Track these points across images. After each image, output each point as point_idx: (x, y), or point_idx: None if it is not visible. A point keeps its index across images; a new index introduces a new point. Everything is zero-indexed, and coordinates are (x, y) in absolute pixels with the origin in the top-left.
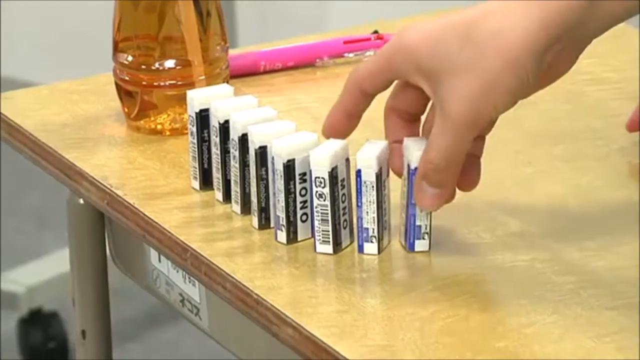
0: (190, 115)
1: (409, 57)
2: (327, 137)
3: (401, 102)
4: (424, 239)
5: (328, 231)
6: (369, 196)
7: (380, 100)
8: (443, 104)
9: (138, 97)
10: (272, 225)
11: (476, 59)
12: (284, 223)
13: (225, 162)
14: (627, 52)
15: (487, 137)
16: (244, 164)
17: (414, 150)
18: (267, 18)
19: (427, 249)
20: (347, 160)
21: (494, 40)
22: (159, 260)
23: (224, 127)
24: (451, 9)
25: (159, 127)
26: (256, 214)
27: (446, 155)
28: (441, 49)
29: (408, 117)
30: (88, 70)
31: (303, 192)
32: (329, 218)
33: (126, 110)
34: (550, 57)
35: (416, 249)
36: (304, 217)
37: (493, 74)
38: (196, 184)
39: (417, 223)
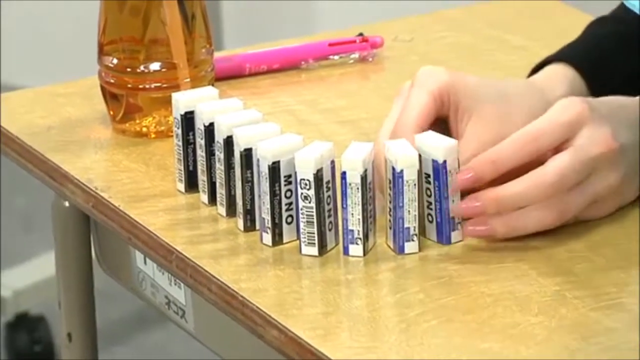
0: (175, 118)
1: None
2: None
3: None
4: (413, 240)
5: (313, 233)
6: (354, 198)
7: (365, 103)
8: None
9: (123, 100)
10: (257, 227)
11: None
12: (270, 225)
13: (211, 164)
14: None
15: None
16: (229, 166)
17: (397, 153)
18: (253, 21)
19: (416, 250)
20: (332, 162)
21: None
22: (145, 263)
23: (209, 130)
24: (434, 12)
25: (144, 129)
26: (241, 216)
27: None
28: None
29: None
30: (73, 74)
31: (288, 194)
32: (314, 220)
33: (111, 113)
34: None
35: (406, 251)
36: (289, 219)
37: None
38: (181, 187)
39: (406, 225)
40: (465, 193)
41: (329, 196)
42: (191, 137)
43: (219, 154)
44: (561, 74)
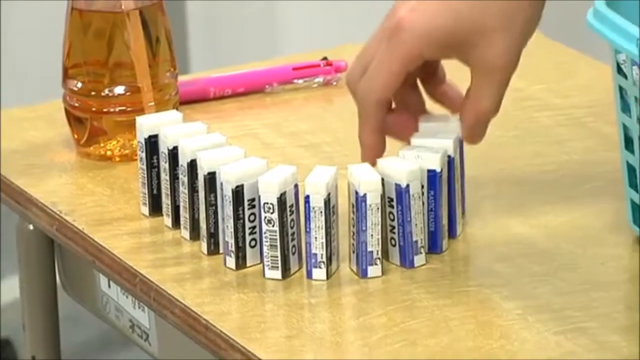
0: (139, 142)
1: (436, 41)
2: (373, 163)
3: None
4: (376, 264)
5: (277, 257)
6: (318, 222)
7: (329, 127)
8: (486, 61)
9: (88, 123)
10: (221, 250)
11: (505, 12)
12: (233, 249)
13: (175, 188)
14: (574, 78)
15: None
16: (193, 190)
17: (360, 177)
18: (219, 44)
19: (379, 274)
20: (296, 186)
21: None
22: (109, 286)
23: (173, 153)
24: None
25: (108, 153)
26: (205, 239)
27: (498, 99)
28: (464, 22)
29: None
30: (37, 98)
31: (252, 217)
32: (278, 244)
33: (76, 136)
34: None
35: (369, 275)
36: (252, 243)
37: (526, 15)
38: (145, 210)
39: (369, 249)
40: None
41: (292, 220)
42: (155, 160)
43: (183, 178)
44: None
